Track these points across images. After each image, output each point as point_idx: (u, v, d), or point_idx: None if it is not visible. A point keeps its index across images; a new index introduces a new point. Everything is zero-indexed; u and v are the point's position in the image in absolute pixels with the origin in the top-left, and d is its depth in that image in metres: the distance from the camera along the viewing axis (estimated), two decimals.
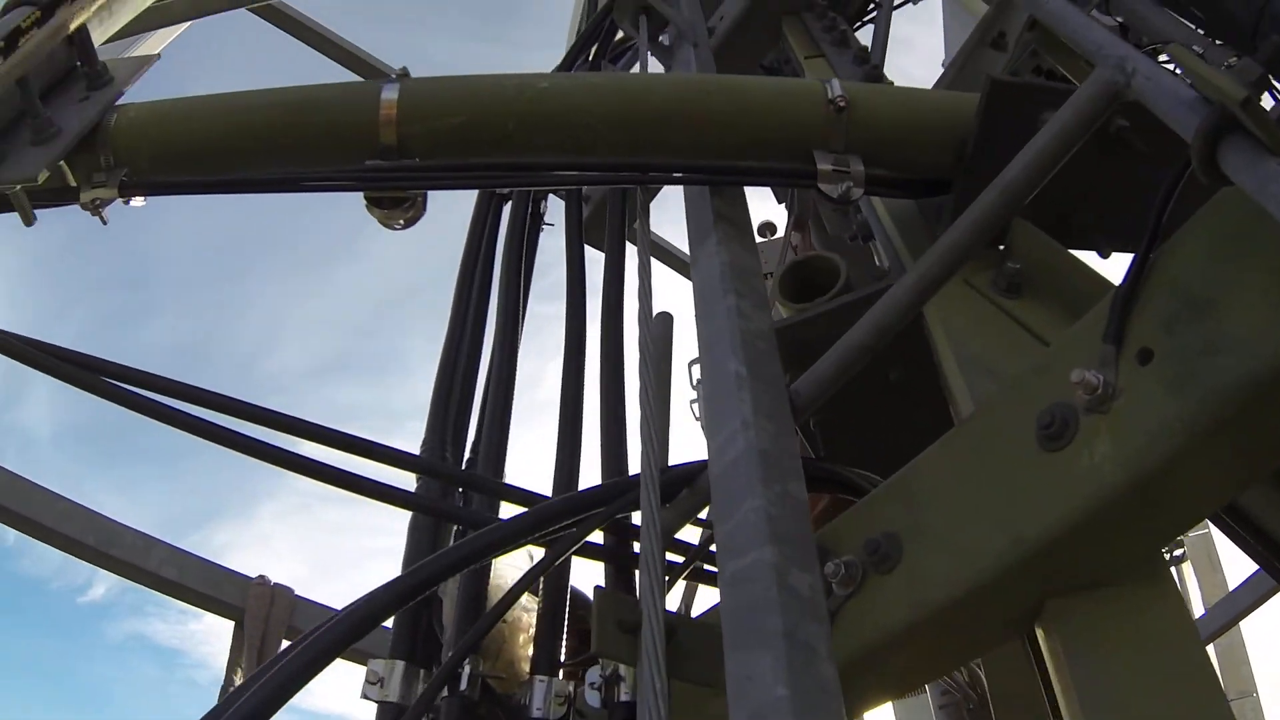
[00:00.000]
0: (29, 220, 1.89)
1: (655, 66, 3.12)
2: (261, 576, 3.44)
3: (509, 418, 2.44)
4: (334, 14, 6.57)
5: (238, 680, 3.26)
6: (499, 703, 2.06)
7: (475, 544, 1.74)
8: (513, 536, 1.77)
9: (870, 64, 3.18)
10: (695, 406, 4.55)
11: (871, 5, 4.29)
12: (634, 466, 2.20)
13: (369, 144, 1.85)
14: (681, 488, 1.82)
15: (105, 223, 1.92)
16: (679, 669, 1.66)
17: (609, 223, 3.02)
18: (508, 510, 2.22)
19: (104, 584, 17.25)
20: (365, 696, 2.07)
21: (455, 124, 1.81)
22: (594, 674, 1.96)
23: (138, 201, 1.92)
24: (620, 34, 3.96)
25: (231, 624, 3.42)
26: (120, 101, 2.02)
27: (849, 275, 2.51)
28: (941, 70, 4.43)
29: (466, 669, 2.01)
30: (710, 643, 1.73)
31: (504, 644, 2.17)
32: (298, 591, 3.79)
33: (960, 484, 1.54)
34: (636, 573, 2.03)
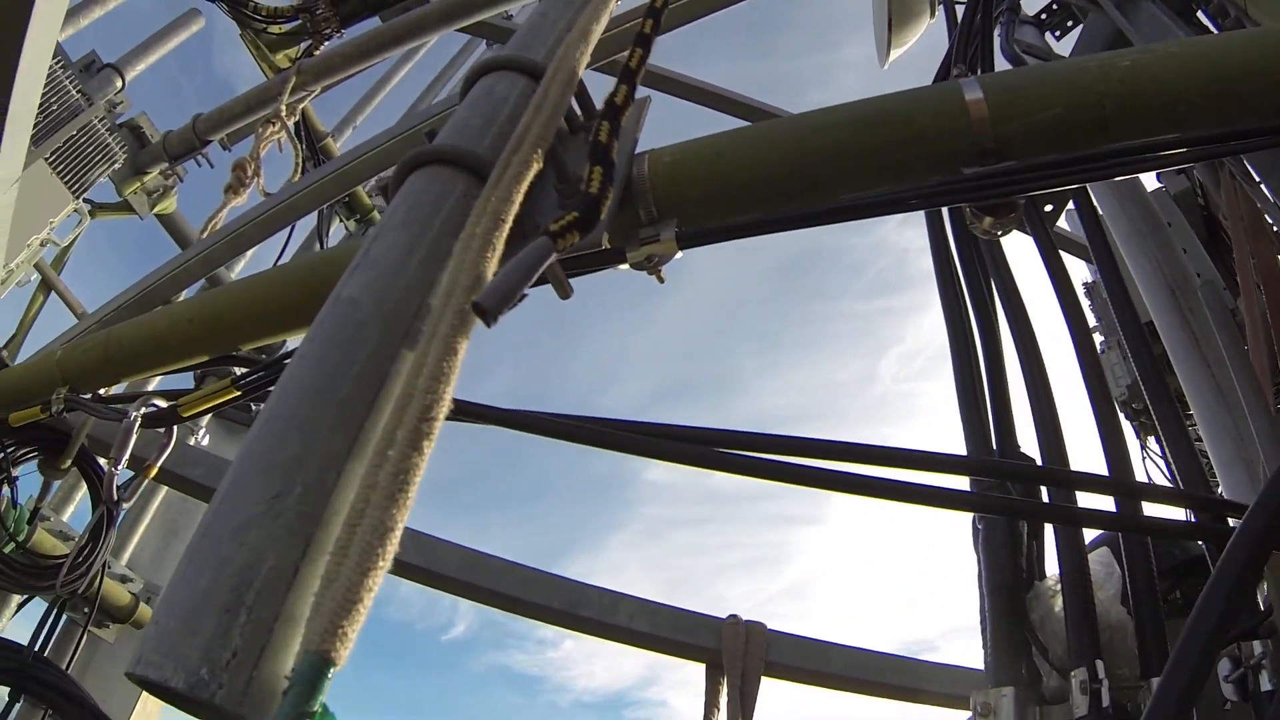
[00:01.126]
0: (567, 293, 1.64)
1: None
2: (733, 616, 3.37)
3: (1056, 406, 2.35)
4: None
5: None
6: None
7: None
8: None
9: None
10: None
11: None
12: None
13: (966, 150, 1.72)
14: None
15: (663, 281, 1.75)
16: None
17: (1084, 217, 2.91)
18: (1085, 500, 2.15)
19: (464, 621, 18.21)
20: None
21: (1052, 116, 1.68)
22: (1225, 666, 1.86)
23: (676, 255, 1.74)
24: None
25: (703, 666, 3.35)
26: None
27: None
28: None
29: (1105, 683, 1.93)
30: None
31: (1110, 650, 2.08)
32: None
33: None
34: None
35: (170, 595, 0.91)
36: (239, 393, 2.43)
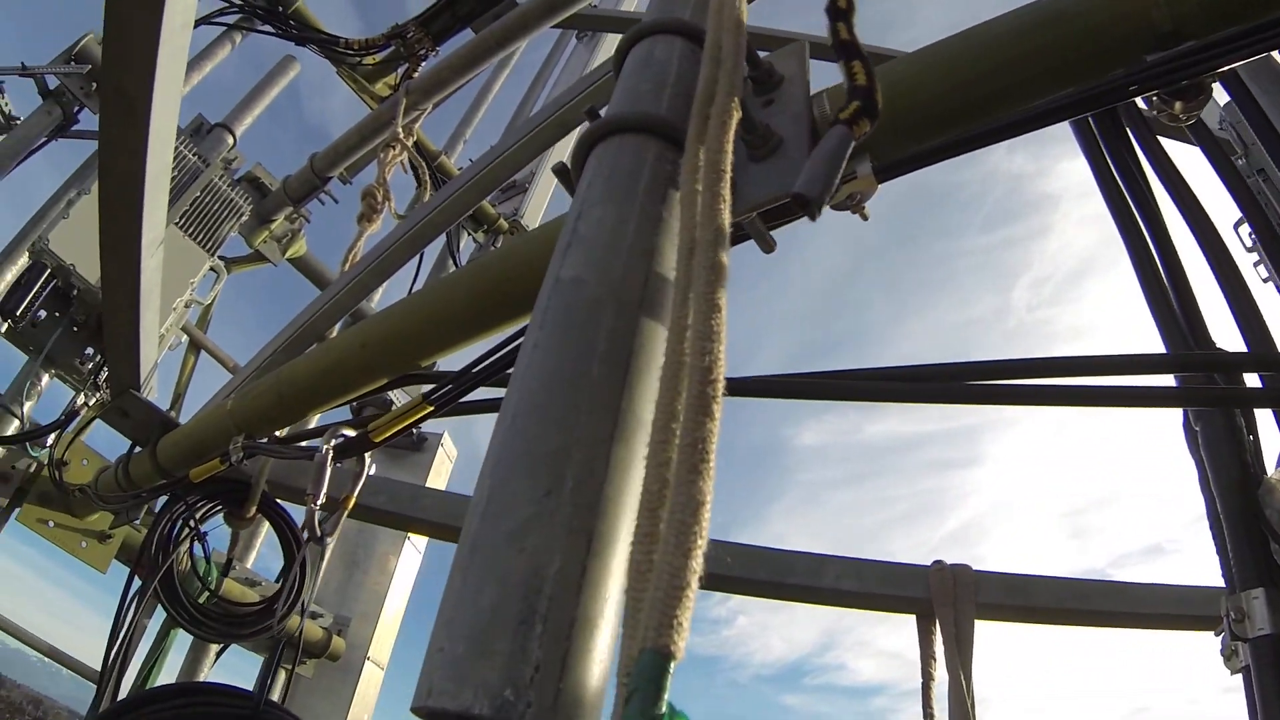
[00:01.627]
0: (770, 246, 1.53)
1: None
2: (938, 561, 3.31)
3: (1249, 290, 2.27)
4: None
5: (935, 673, 3.14)
6: None
7: None
8: None
9: None
10: (1260, 269, 4.23)
11: None
12: None
13: (1144, 36, 1.63)
14: None
15: (867, 218, 1.65)
16: None
17: (1238, 98, 2.81)
18: None
19: None
20: (1236, 638, 1.95)
21: None
22: None
23: None
24: None
25: (913, 617, 3.29)
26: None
27: None
28: None
29: None
30: None
31: None
32: None
33: None
34: None
35: (451, 617, 0.85)
36: (431, 408, 2.44)
